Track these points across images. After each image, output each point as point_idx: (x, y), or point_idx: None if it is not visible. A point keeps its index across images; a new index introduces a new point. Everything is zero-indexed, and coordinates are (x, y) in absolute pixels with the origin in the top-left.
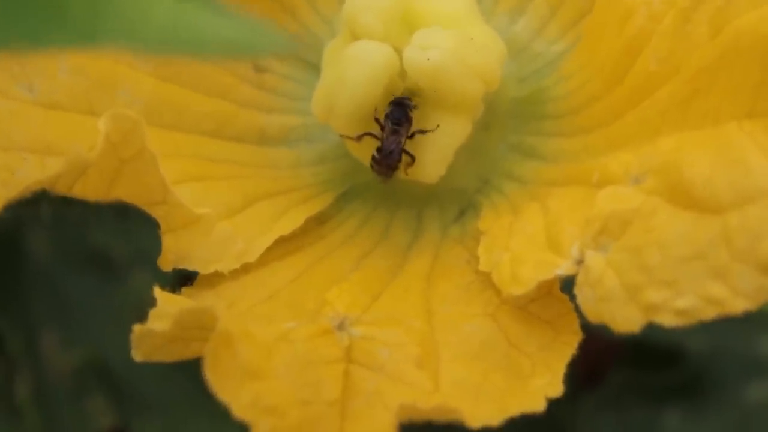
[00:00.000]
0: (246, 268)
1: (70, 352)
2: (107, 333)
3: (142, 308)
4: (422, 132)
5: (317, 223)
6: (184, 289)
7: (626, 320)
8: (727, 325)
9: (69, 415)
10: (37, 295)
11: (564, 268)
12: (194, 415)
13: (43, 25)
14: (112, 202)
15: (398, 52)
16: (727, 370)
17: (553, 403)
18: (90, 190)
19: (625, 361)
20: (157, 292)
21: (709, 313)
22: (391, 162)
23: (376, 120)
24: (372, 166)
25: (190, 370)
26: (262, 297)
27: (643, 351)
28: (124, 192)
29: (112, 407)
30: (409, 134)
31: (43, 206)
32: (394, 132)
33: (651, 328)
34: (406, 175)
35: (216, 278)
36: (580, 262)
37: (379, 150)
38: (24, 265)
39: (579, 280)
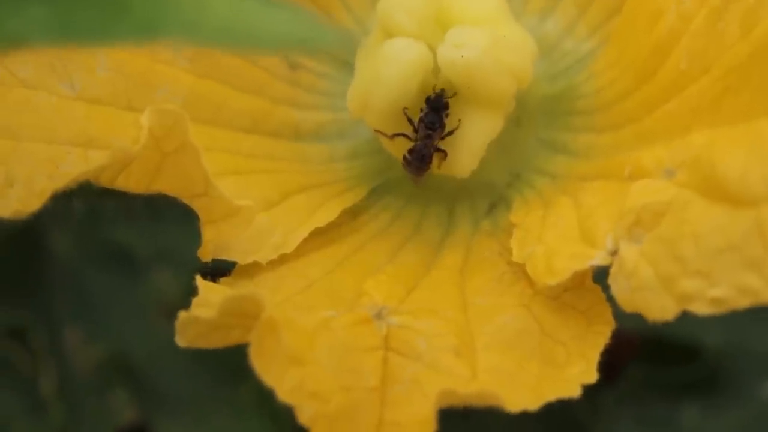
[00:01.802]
0: (283, 259)
1: (93, 347)
2: (129, 328)
3: (164, 304)
4: (450, 133)
5: (351, 216)
6: (222, 279)
7: (661, 309)
8: (743, 321)
9: (92, 409)
10: (60, 290)
11: (598, 259)
12: (215, 408)
13: (105, 21)
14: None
15: (432, 49)
16: (744, 366)
17: (570, 398)
18: (132, 182)
19: (643, 357)
20: (199, 281)
21: (743, 303)
22: (422, 164)
23: (409, 121)
24: (404, 166)
25: (211, 364)
26: (299, 287)
27: (661, 347)
28: (166, 185)
29: (134, 401)
30: (442, 137)
31: (74, 202)
32: (427, 136)
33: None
34: (439, 169)
35: (254, 269)
36: (614, 253)
37: (410, 152)
38: (47, 260)
39: (613, 270)
